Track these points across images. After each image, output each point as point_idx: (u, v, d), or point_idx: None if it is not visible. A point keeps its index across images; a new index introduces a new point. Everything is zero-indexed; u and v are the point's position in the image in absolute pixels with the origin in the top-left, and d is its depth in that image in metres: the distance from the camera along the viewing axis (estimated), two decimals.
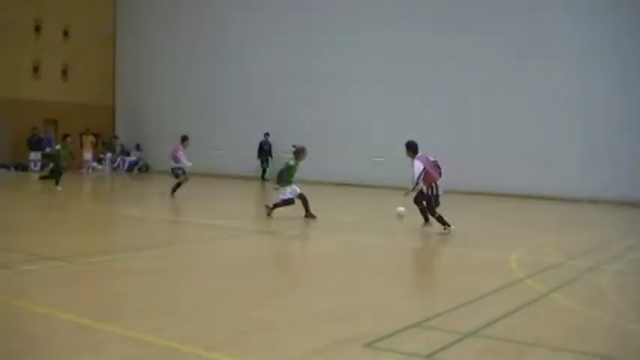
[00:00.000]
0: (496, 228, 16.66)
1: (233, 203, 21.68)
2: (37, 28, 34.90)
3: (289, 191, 16.15)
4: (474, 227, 16.32)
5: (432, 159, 14.77)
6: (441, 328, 6.88)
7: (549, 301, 8.39)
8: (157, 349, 6.00)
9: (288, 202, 16.20)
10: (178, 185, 21.63)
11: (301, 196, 16.30)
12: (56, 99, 35.25)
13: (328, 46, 29.71)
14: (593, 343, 6.63)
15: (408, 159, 14.85)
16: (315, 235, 14.64)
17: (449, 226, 14.32)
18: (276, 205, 16.26)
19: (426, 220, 15.33)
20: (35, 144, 32.96)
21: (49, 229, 13.93)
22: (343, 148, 28.95)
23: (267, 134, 30.15)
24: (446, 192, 15.02)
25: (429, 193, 14.56)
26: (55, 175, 23.96)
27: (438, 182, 14.53)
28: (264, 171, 31.06)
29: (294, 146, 16.73)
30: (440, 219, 14.40)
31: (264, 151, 30.59)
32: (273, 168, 29.42)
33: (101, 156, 36.39)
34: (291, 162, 16.24)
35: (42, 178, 24.46)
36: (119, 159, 36.80)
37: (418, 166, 14.33)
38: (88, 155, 35.06)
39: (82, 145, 34.98)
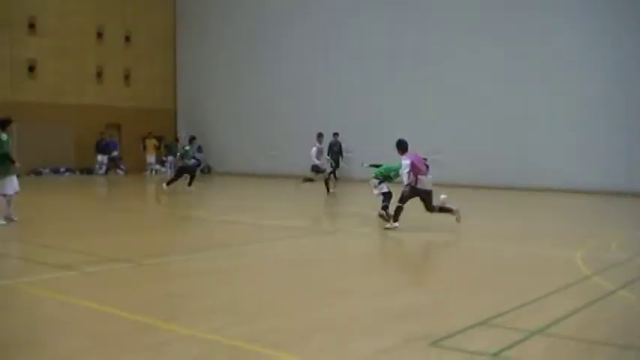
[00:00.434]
0: (556, 224, 16.35)
1: (292, 203, 21.72)
2: (100, 35, 35.58)
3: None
4: (534, 224, 16.13)
5: (420, 157, 14.71)
6: (506, 326, 6.76)
7: (617, 299, 8.18)
8: (220, 349, 6.02)
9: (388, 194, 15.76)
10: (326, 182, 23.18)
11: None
12: (119, 103, 35.89)
13: (390, 49, 29.55)
14: None
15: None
16: (374, 233, 14.57)
17: (395, 223, 14.28)
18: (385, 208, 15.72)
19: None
20: (103, 147, 33.62)
21: (112, 231, 14.14)
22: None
23: (336, 134, 29.78)
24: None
25: (411, 187, 14.43)
26: (179, 175, 24.29)
27: (422, 177, 14.39)
28: (333, 171, 30.56)
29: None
30: (396, 213, 14.39)
31: (334, 152, 30.14)
32: (346, 168, 29.80)
33: (164, 159, 36.86)
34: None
35: (169, 183, 24.55)
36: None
37: (405, 161, 14.34)
38: (151, 158, 35.57)
39: (145, 149, 35.54)
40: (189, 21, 38.52)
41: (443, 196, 14.91)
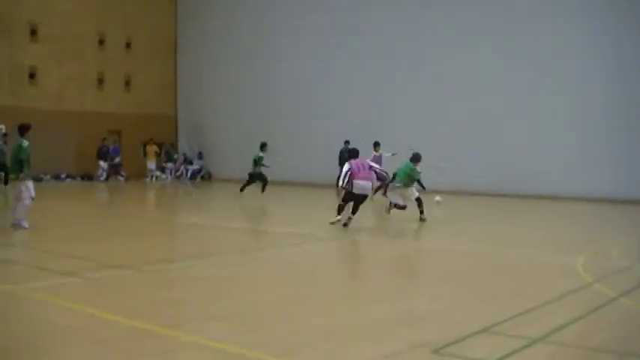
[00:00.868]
0: (559, 231, 16.39)
1: (294, 210, 21.74)
2: (101, 41, 35.64)
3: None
4: (537, 230, 16.15)
5: (365, 162, 16.05)
6: (508, 333, 6.79)
7: (618, 306, 8.21)
8: (224, 356, 6.05)
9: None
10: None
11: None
12: (120, 110, 35.92)
13: (400, 54, 29.59)
14: None
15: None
16: (381, 240, 14.60)
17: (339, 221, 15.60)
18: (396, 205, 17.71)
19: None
20: (104, 154, 33.64)
21: (113, 237, 14.15)
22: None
23: (347, 142, 29.49)
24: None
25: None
26: (252, 181, 24.44)
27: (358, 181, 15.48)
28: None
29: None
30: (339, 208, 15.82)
31: (345, 159, 29.57)
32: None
33: (164, 165, 36.91)
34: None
35: (242, 189, 24.69)
36: (182, 167, 37.29)
37: (346, 167, 15.81)
38: (151, 165, 35.55)
39: (145, 155, 35.56)
40: (190, 27, 38.57)
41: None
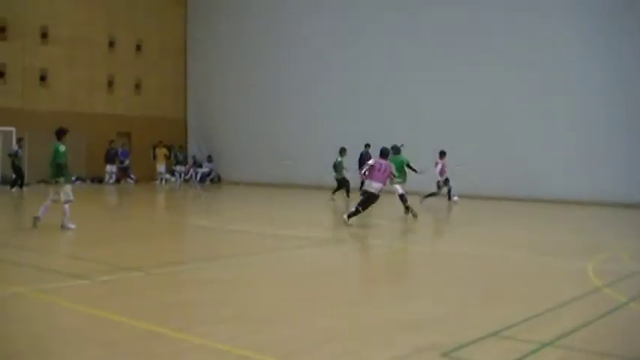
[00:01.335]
0: (566, 234, 16.34)
1: (303, 213, 21.74)
2: (111, 44, 35.75)
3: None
4: (546, 235, 16.10)
5: (387, 166, 16.63)
6: (517, 337, 6.76)
7: (628, 311, 8.16)
8: (230, 358, 6.05)
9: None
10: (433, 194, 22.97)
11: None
12: (130, 113, 36.00)
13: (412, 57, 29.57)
14: None
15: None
16: (387, 243, 14.58)
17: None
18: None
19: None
20: (112, 157, 33.71)
21: (123, 240, 14.19)
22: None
23: (367, 145, 29.20)
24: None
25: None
26: (340, 186, 24.41)
27: (371, 181, 16.45)
28: (362, 183, 29.69)
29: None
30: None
31: (365, 162, 29.09)
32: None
33: (174, 168, 37.01)
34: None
35: (333, 194, 24.77)
36: (191, 170, 37.35)
37: (371, 161, 16.94)
38: (161, 167, 35.66)
39: (155, 157, 35.65)
40: (199, 31, 38.64)
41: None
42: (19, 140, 28.45)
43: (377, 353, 6.21)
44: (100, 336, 6.67)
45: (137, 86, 36.89)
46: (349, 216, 16.23)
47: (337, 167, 24.35)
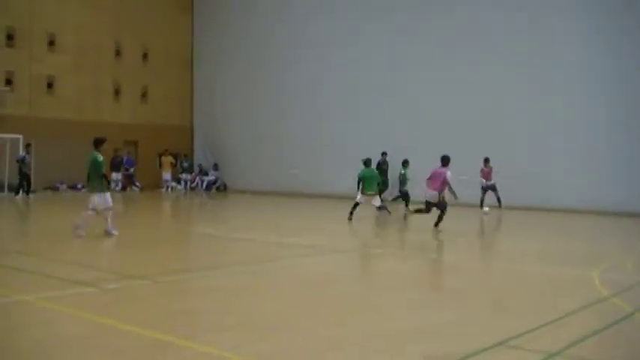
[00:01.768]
0: (571, 244, 16.30)
1: (309, 222, 21.74)
2: (118, 52, 35.87)
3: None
4: (552, 244, 16.06)
5: (443, 174, 17.22)
6: (525, 347, 6.73)
7: (635, 321, 8.13)
8: None
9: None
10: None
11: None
12: (136, 120, 36.09)
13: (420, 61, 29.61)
14: None
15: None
16: (395, 253, 14.56)
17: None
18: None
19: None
20: (117, 165, 33.74)
21: (129, 247, 14.20)
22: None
23: (384, 153, 29.15)
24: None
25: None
26: (404, 197, 24.03)
27: (427, 188, 17.41)
28: (380, 192, 29.42)
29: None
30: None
31: (383, 172, 28.35)
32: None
33: (179, 176, 37.06)
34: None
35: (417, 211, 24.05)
36: (197, 178, 37.39)
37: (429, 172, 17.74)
38: (167, 175, 35.72)
39: (161, 166, 35.71)
40: (206, 39, 38.76)
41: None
42: (27, 146, 28.53)
43: None
44: (106, 344, 6.66)
45: (143, 94, 37.01)
46: (436, 225, 17.27)
47: (402, 179, 24.11)
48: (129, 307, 8.37)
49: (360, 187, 20.38)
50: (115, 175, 33.72)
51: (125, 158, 34.40)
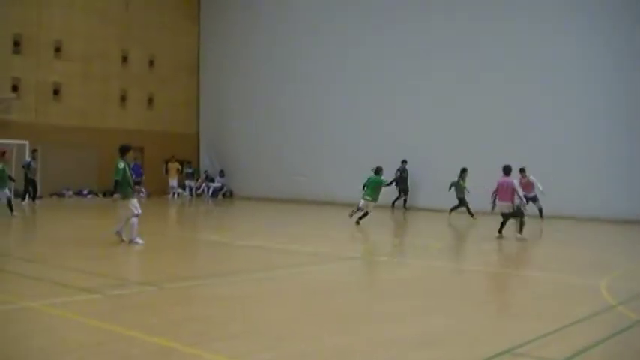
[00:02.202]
0: (582, 252, 16.24)
1: (318, 229, 21.72)
2: (124, 59, 35.96)
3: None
4: (560, 251, 16.01)
5: (510, 184, 17.56)
6: (531, 355, 6.71)
7: None
8: None
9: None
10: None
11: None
12: (142, 127, 36.09)
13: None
14: None
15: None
16: (402, 260, 14.55)
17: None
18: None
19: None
20: None
21: (135, 254, 14.21)
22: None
23: (404, 161, 29.06)
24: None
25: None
26: (462, 204, 24.01)
27: (498, 201, 17.90)
28: (404, 200, 29.14)
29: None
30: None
31: (403, 179, 28.68)
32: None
33: (185, 182, 37.08)
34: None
35: (469, 213, 23.79)
36: (203, 185, 37.41)
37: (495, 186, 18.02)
38: (173, 182, 35.74)
39: (167, 172, 35.74)
40: (212, 45, 38.84)
41: (519, 236, 17.38)
42: (33, 152, 28.60)
43: None
44: (111, 351, 6.66)
45: (150, 101, 37.07)
46: (519, 232, 17.37)
47: (457, 187, 24.03)
48: (134, 314, 8.38)
49: (363, 192, 20.76)
50: None
51: (132, 165, 34.37)
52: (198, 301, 9.63)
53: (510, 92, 26.36)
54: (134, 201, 15.17)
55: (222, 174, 37.46)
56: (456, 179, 24.00)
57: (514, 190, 17.30)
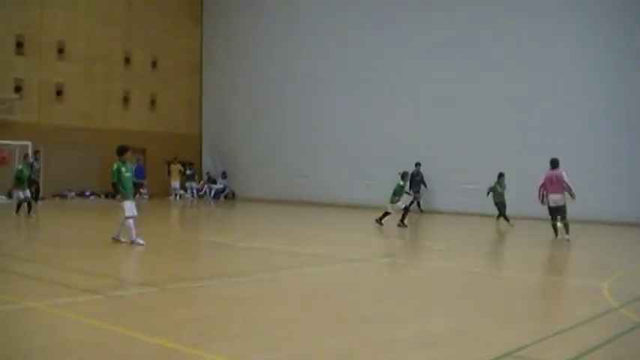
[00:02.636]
0: (582, 254, 16.23)
1: (320, 231, 21.72)
2: (127, 60, 36.01)
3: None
4: (562, 254, 15.99)
5: (559, 175, 17.52)
6: (532, 357, 6.70)
7: None
8: None
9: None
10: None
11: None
12: (145, 128, 36.15)
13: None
14: None
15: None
16: (403, 262, 14.54)
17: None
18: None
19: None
20: None
21: (136, 255, 14.20)
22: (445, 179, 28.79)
23: (418, 164, 28.85)
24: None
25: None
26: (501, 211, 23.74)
27: (550, 194, 17.64)
28: (418, 203, 28.80)
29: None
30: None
31: (416, 182, 28.41)
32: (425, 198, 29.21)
33: (187, 184, 37.09)
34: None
35: (505, 219, 23.33)
36: (206, 187, 37.41)
37: (541, 181, 17.87)
38: (175, 183, 35.76)
39: (169, 174, 35.75)
40: (215, 47, 38.89)
41: (567, 237, 17.32)
42: (36, 152, 28.61)
43: None
44: (112, 351, 6.65)
45: (152, 102, 37.14)
46: (566, 233, 17.41)
47: (495, 192, 23.90)
48: (136, 315, 8.38)
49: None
50: None
51: (135, 166, 34.41)
52: (200, 302, 9.62)
53: (510, 92, 26.37)
54: (128, 202, 15.09)
55: (224, 175, 37.47)
56: (492, 184, 23.62)
57: (564, 182, 17.28)
